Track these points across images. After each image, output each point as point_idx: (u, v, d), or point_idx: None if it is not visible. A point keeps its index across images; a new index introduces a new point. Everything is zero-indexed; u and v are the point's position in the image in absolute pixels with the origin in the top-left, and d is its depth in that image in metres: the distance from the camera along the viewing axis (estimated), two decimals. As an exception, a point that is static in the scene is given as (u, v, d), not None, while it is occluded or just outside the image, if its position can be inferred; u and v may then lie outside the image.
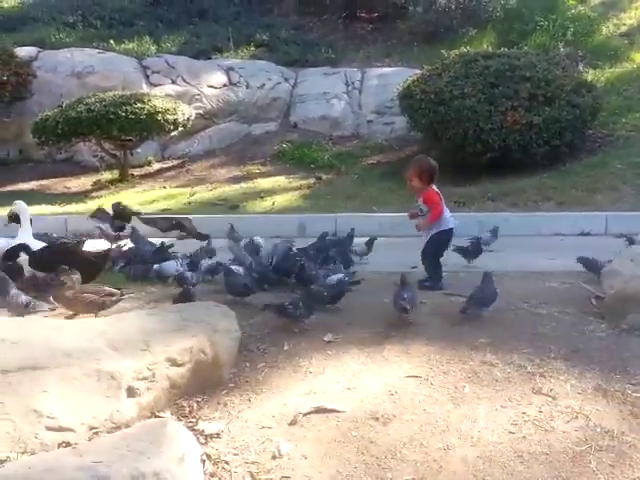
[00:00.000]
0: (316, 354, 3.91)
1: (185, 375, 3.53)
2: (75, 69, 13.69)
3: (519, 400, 3.35)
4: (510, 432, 3.11)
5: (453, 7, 15.35)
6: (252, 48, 15.64)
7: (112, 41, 15.31)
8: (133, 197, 11.32)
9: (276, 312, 4.30)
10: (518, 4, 15.85)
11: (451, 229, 5.63)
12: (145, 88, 13.38)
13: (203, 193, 11.25)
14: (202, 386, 3.59)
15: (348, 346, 3.99)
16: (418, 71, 12.27)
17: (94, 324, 3.86)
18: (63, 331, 3.61)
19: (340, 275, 5.10)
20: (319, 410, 3.33)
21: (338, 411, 3.32)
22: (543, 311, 4.51)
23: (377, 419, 3.26)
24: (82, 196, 11.49)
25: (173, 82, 13.83)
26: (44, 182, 12.48)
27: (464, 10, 15.40)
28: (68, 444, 2.98)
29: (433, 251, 5.60)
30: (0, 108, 12.90)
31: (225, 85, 14.08)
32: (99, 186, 12.11)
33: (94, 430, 3.09)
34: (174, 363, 3.50)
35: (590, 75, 13.11)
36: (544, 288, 5.19)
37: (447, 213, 5.64)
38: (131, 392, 3.26)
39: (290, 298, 4.35)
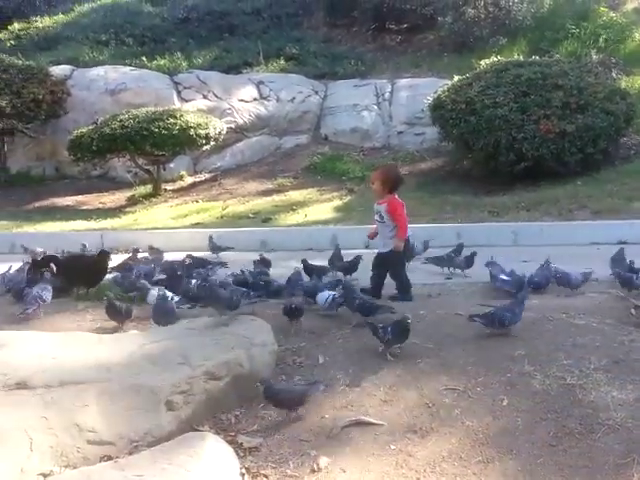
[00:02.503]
0: (352, 367, 3.91)
1: (223, 389, 3.56)
2: (108, 86, 13.91)
3: (559, 412, 3.31)
4: (551, 445, 3.08)
5: (483, 16, 15.29)
6: (282, 62, 15.75)
7: (144, 58, 15.54)
8: (166, 212, 11.45)
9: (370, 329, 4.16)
10: (549, 12, 15.75)
11: (408, 237, 5.68)
12: (177, 104, 13.55)
13: (235, 206, 11.33)
14: (240, 399, 3.62)
15: (385, 359, 3.99)
16: (448, 81, 12.25)
17: (132, 339, 3.92)
18: (102, 346, 3.68)
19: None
20: (357, 423, 3.34)
21: (376, 424, 3.32)
22: (581, 322, 4.45)
23: (415, 432, 3.25)
24: (117, 211, 11.65)
25: (204, 97, 13.98)
26: (79, 198, 12.68)
27: (494, 19, 15.33)
28: (109, 458, 3.03)
29: (397, 263, 5.53)
30: (36, 126, 13.15)
31: (256, 99, 14.20)
32: (133, 201, 12.27)
33: (134, 444, 3.14)
34: (212, 377, 3.54)
35: (623, 82, 12.96)
36: (582, 298, 5.13)
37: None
38: (170, 406, 3.30)
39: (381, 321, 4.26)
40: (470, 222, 9.21)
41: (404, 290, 5.45)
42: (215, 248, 7.81)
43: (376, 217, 5.63)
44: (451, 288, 5.78)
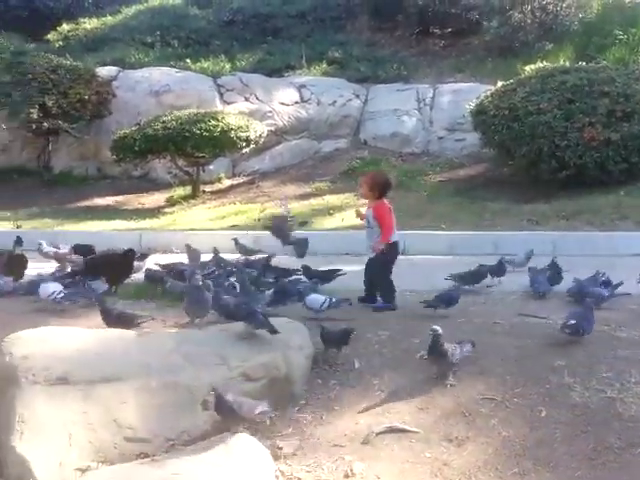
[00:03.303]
0: (388, 372, 3.91)
1: (259, 390, 3.59)
2: (153, 88, 14.09)
3: (598, 426, 3.26)
4: (589, 458, 3.04)
5: (529, 21, 15.12)
6: (324, 65, 15.76)
7: (188, 60, 15.69)
8: (204, 213, 11.56)
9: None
10: (597, 17, 15.50)
11: (396, 242, 5.65)
12: (219, 106, 13.66)
13: (273, 209, 11.39)
14: (275, 402, 3.63)
15: (421, 365, 3.98)
16: (492, 87, 12.13)
17: (171, 338, 3.96)
18: (142, 344, 3.73)
19: None
20: (392, 430, 3.34)
21: (411, 431, 3.31)
22: (623, 334, 4.38)
23: (451, 441, 3.24)
24: (155, 212, 11.78)
25: (246, 100, 14.07)
26: (120, 198, 12.87)
27: (540, 24, 15.14)
28: (146, 455, 3.08)
29: (380, 268, 5.58)
30: (80, 126, 13.36)
31: (297, 102, 14.24)
32: (172, 202, 12.39)
33: (170, 442, 3.18)
34: (249, 378, 3.57)
35: (672, 90, 12.68)
36: (624, 310, 5.05)
37: (394, 226, 5.65)
38: (206, 406, 3.33)
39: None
40: (509, 230, 9.12)
41: (386, 296, 5.48)
42: (244, 251, 7.45)
43: (365, 222, 5.77)
44: (493, 296, 5.71)
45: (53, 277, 5.97)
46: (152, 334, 4.09)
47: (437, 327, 3.80)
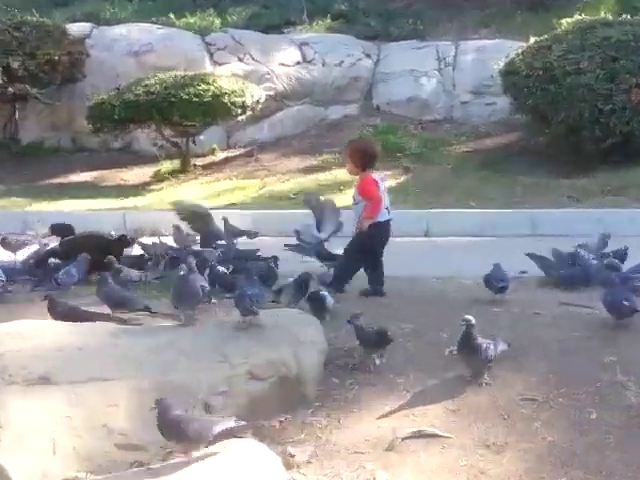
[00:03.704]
0: (413, 370, 3.91)
1: (266, 391, 3.59)
2: (132, 47, 14.01)
3: (657, 429, 3.27)
4: (647, 466, 3.04)
5: (563, -32, 15.02)
6: (329, 20, 15.65)
7: (172, 15, 15.59)
8: (196, 190, 11.55)
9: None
10: (644, -37, 15.38)
11: (386, 222, 5.63)
12: (209, 67, 13.60)
13: (274, 185, 11.36)
14: (285, 404, 3.65)
15: (451, 361, 3.97)
16: (523, 43, 12.04)
17: (163, 331, 3.97)
18: (130, 338, 3.73)
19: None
20: (420, 434, 3.34)
21: (442, 436, 3.32)
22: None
23: (488, 447, 3.24)
24: (140, 189, 11.78)
25: (240, 60, 14.00)
26: (98, 173, 12.85)
27: (576, -29, 15.04)
28: (140, 464, 3.08)
29: (358, 250, 5.59)
30: (51, 91, 13.29)
31: (298, 63, 14.16)
32: (158, 178, 12.38)
33: (168, 449, 3.18)
34: (254, 377, 3.57)
35: None
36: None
37: (384, 201, 5.62)
38: (207, 408, 3.34)
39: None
40: (546, 208, 9.10)
41: (338, 278, 5.50)
42: (231, 233, 7.21)
43: (353, 201, 5.83)
44: (527, 283, 5.71)
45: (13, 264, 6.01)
46: (143, 328, 4.09)
47: (470, 317, 3.79)
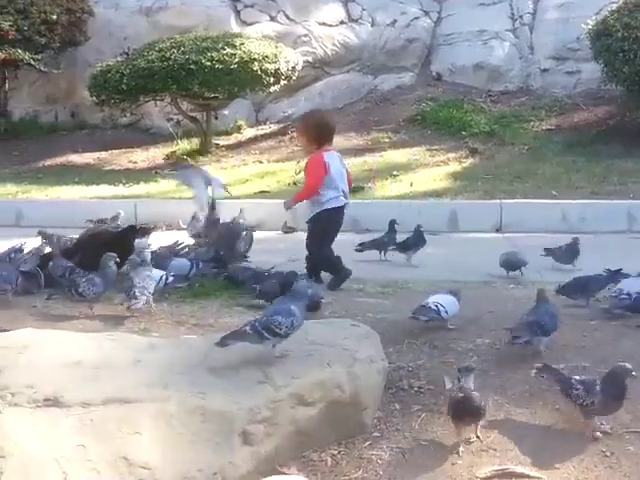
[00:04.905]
0: (492, 394, 3.88)
1: (315, 418, 3.57)
2: (143, 4, 14.18)
3: None
4: None
5: None
6: (379, -30, 15.68)
7: (191, -36, 15.72)
8: (219, 175, 11.57)
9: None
10: None
11: (340, 208, 5.91)
12: (235, 27, 13.69)
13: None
14: (337, 434, 3.63)
15: (537, 384, 3.94)
16: (617, -1, 11.97)
17: (192, 345, 3.98)
18: (155, 353, 3.74)
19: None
20: (504, 474, 3.30)
21: (532, 477, 3.28)
22: None
23: (591, 492, 3.21)
24: (152, 173, 11.87)
25: (272, 19, 14.08)
26: (103, 154, 13.00)
27: None
28: (167, 504, 3.09)
29: (319, 241, 5.91)
30: (47, 57, 13.48)
31: (342, 22, 14.20)
32: (174, 160, 12.48)
33: (199, 486, 3.19)
34: (301, 401, 3.55)
35: None
36: None
37: (338, 183, 5.86)
38: (246, 438, 3.33)
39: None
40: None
41: (332, 270, 5.91)
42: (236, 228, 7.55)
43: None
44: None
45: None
46: (170, 342, 4.10)
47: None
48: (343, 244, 6.44)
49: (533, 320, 4.28)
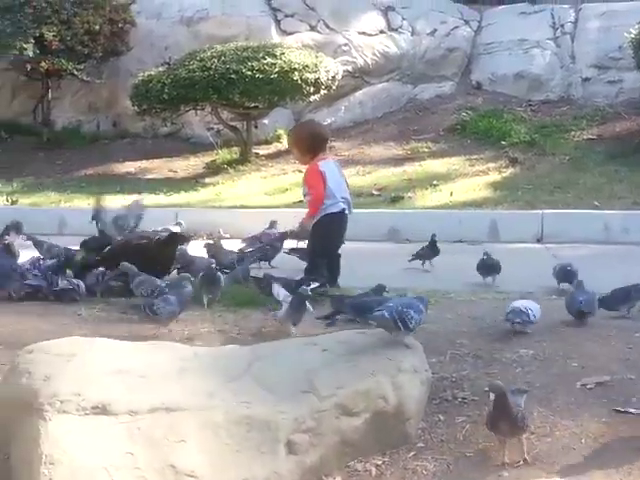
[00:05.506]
0: (538, 406, 3.86)
1: (360, 428, 3.58)
2: (185, 14, 14.23)
3: None
4: None
5: None
6: (420, -20, 15.68)
7: (232, -25, 15.81)
8: (258, 184, 11.66)
9: None
10: None
11: (340, 212, 5.94)
12: (276, 37, 13.71)
13: (353, 179, 11.34)
14: (381, 444, 3.64)
15: (584, 396, 3.91)
16: (661, 6, 11.88)
17: (236, 354, 4.00)
18: (200, 362, 3.76)
19: None
20: (551, 488, 3.29)
21: (582, 491, 3.26)
22: None
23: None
24: (192, 182, 11.94)
25: (312, 28, 14.08)
26: (143, 163, 13.08)
27: None
28: (213, 512, 3.11)
29: (319, 248, 5.98)
30: (90, 67, 13.57)
31: (382, 31, 14.18)
32: (214, 169, 12.55)
33: (244, 495, 3.21)
34: (346, 412, 3.57)
35: None
36: None
37: (335, 192, 5.89)
38: (291, 448, 3.35)
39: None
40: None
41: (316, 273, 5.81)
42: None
43: (303, 196, 6.32)
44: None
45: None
46: (215, 350, 4.12)
47: None
48: (382, 254, 6.47)
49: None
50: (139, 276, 5.73)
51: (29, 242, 7.14)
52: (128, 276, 5.86)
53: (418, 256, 7.17)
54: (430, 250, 7.12)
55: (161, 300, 5.12)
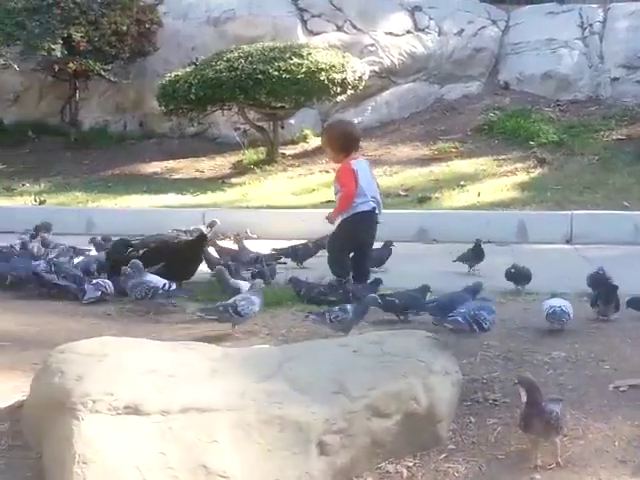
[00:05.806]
0: (570, 409, 3.82)
1: (391, 430, 3.57)
2: (211, 14, 14.29)
3: None
4: None
5: None
6: (447, -21, 15.64)
7: (259, -25, 15.82)
8: (285, 184, 11.67)
9: None
10: None
11: (370, 212, 5.97)
12: (302, 37, 13.75)
13: (380, 179, 11.30)
14: (412, 446, 3.62)
15: (617, 398, 3.89)
16: (691, 5, 11.79)
17: (266, 354, 4.01)
18: (231, 362, 3.77)
19: None
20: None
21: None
22: None
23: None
24: (219, 182, 11.97)
25: (339, 29, 14.10)
26: (170, 163, 13.14)
27: None
28: (245, 513, 3.11)
29: (340, 243, 6.01)
30: (117, 67, 13.65)
31: (409, 31, 14.17)
32: (240, 169, 12.59)
33: (277, 496, 3.21)
34: (377, 413, 3.55)
35: None
36: None
37: (366, 191, 5.94)
38: (323, 448, 3.34)
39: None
40: None
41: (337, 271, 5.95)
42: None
43: (334, 194, 6.32)
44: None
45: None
46: (246, 351, 4.13)
47: None
48: (412, 254, 6.46)
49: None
50: (132, 279, 5.75)
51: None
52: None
53: (462, 259, 7.11)
54: (474, 254, 7.06)
55: (245, 301, 5.09)
